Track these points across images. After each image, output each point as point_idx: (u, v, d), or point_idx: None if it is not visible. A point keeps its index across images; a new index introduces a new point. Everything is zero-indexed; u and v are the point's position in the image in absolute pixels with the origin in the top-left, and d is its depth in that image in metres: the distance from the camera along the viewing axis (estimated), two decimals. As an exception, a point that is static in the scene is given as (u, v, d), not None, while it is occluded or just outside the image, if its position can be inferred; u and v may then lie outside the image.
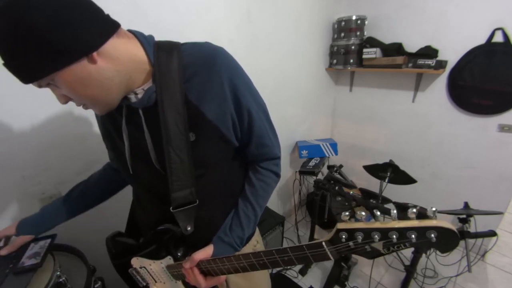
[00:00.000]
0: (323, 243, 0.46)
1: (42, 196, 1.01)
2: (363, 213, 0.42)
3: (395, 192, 1.91)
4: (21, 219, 0.76)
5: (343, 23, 1.96)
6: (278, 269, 1.89)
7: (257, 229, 0.84)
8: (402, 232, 0.38)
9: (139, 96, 0.53)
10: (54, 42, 0.40)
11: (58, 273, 0.70)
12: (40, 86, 0.45)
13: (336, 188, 1.63)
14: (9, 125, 0.89)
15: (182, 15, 1.22)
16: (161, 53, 0.53)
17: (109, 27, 0.47)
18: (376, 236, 0.40)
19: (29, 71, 0.42)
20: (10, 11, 0.37)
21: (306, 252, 0.48)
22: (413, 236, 0.38)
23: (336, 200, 1.98)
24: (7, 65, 0.42)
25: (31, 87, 0.85)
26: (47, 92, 0.97)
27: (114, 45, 0.46)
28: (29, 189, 0.98)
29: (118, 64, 0.48)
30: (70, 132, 1.03)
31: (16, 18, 0.37)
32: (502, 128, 1.62)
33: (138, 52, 0.51)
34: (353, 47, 1.98)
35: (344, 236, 0.43)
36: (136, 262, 0.76)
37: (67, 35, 0.40)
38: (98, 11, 0.45)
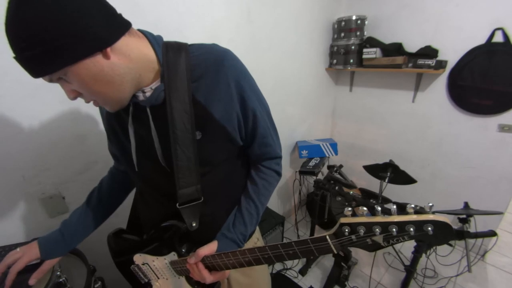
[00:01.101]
0: (327, 237, 0.47)
1: (42, 196, 1.01)
2: (365, 208, 0.44)
3: (395, 192, 1.92)
4: (41, 239, 0.70)
5: (343, 23, 1.96)
6: (278, 269, 1.89)
7: (257, 227, 0.84)
8: (401, 225, 0.41)
9: (147, 94, 0.54)
10: (69, 36, 0.40)
11: (58, 273, 0.70)
12: (51, 80, 0.45)
13: (336, 188, 1.63)
14: (9, 125, 0.89)
15: (182, 15, 1.22)
16: (170, 53, 0.54)
17: (123, 24, 0.48)
18: (377, 229, 0.42)
19: (41, 65, 0.41)
20: (23, 4, 0.38)
21: (311, 245, 0.50)
22: (411, 229, 0.40)
23: (336, 200, 1.98)
24: (18, 58, 0.41)
25: (30, 87, 0.85)
26: (47, 92, 0.97)
27: (126, 43, 0.48)
28: (29, 189, 0.98)
29: (130, 61, 0.48)
30: (70, 132, 1.03)
31: (29, 11, 0.38)
32: (502, 128, 1.62)
33: (148, 51, 0.52)
34: (353, 47, 1.98)
35: (347, 230, 0.45)
36: (138, 258, 0.76)
37: (83, 29, 0.41)
38: (112, 8, 0.46)
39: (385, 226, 0.42)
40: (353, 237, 0.45)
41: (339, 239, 0.47)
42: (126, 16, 0.49)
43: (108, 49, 0.44)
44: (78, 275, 0.77)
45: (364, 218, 0.44)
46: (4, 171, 0.91)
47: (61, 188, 1.05)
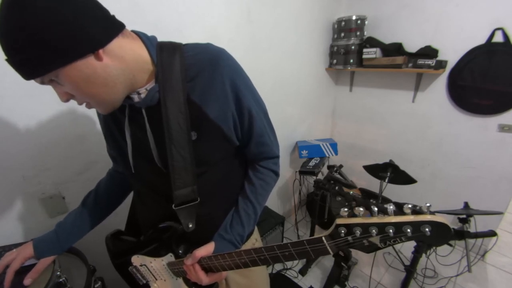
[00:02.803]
0: (323, 238, 0.47)
1: (42, 196, 1.01)
2: (361, 209, 0.43)
3: (395, 192, 1.92)
4: (36, 239, 0.70)
5: (343, 23, 1.96)
6: (278, 269, 1.89)
7: (255, 227, 0.84)
8: (398, 226, 0.40)
9: (142, 96, 0.54)
10: (60, 38, 0.40)
11: (58, 273, 0.70)
12: (42, 82, 0.45)
13: (336, 188, 1.63)
14: (8, 125, 0.89)
15: (182, 15, 1.22)
16: (164, 53, 0.53)
17: (115, 26, 0.47)
18: (374, 230, 0.42)
19: (33, 67, 0.41)
20: (16, 6, 0.37)
21: (307, 247, 0.49)
22: (408, 230, 0.39)
23: (336, 200, 1.97)
24: (10, 60, 0.41)
25: (29, 87, 0.85)
26: (46, 92, 0.96)
27: (119, 44, 0.47)
28: (29, 189, 0.98)
29: (123, 62, 0.48)
30: (70, 132, 1.03)
31: (21, 13, 0.37)
32: (502, 128, 1.62)
33: (142, 52, 0.52)
34: (353, 47, 1.98)
35: (343, 231, 0.44)
36: (136, 260, 0.76)
37: (79, 30, 0.41)
38: (104, 10, 0.46)
39: (381, 227, 0.41)
40: (349, 238, 0.44)
41: (335, 240, 0.46)
42: (126, 16, 0.49)
43: (101, 51, 0.44)
44: (78, 275, 0.77)
45: (360, 218, 0.43)
46: (4, 171, 0.91)
47: (61, 188, 1.05)
